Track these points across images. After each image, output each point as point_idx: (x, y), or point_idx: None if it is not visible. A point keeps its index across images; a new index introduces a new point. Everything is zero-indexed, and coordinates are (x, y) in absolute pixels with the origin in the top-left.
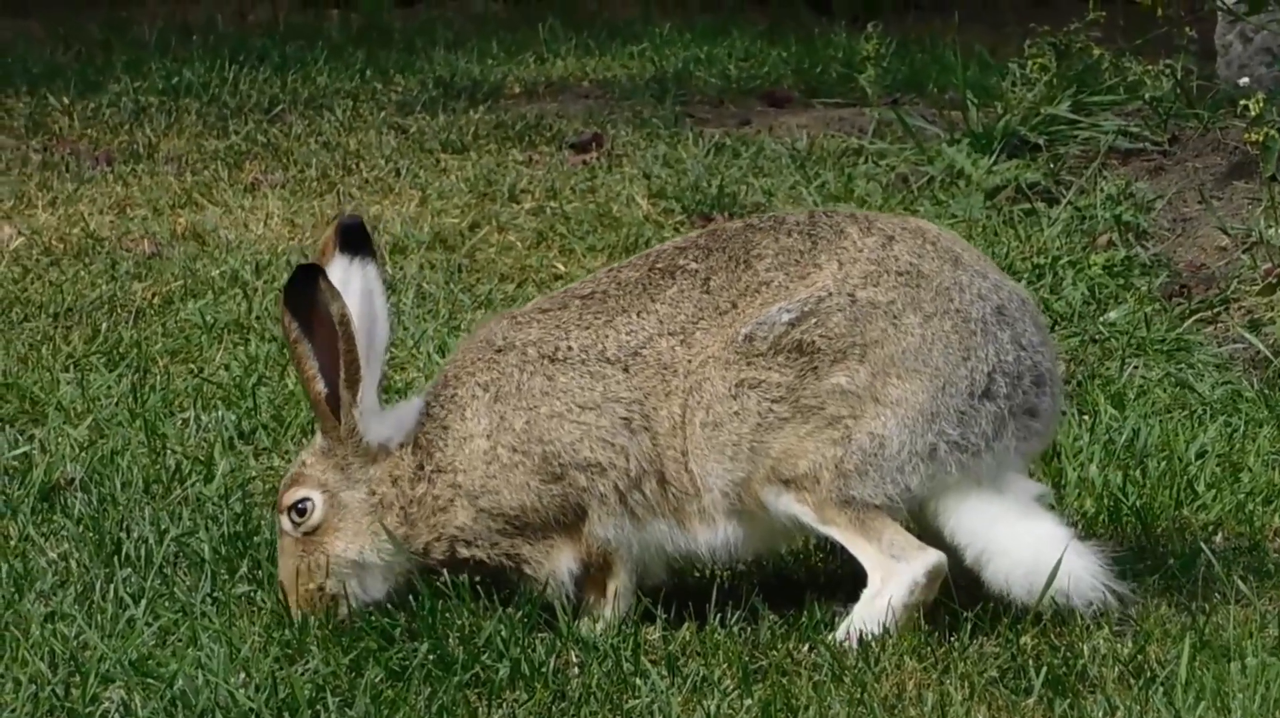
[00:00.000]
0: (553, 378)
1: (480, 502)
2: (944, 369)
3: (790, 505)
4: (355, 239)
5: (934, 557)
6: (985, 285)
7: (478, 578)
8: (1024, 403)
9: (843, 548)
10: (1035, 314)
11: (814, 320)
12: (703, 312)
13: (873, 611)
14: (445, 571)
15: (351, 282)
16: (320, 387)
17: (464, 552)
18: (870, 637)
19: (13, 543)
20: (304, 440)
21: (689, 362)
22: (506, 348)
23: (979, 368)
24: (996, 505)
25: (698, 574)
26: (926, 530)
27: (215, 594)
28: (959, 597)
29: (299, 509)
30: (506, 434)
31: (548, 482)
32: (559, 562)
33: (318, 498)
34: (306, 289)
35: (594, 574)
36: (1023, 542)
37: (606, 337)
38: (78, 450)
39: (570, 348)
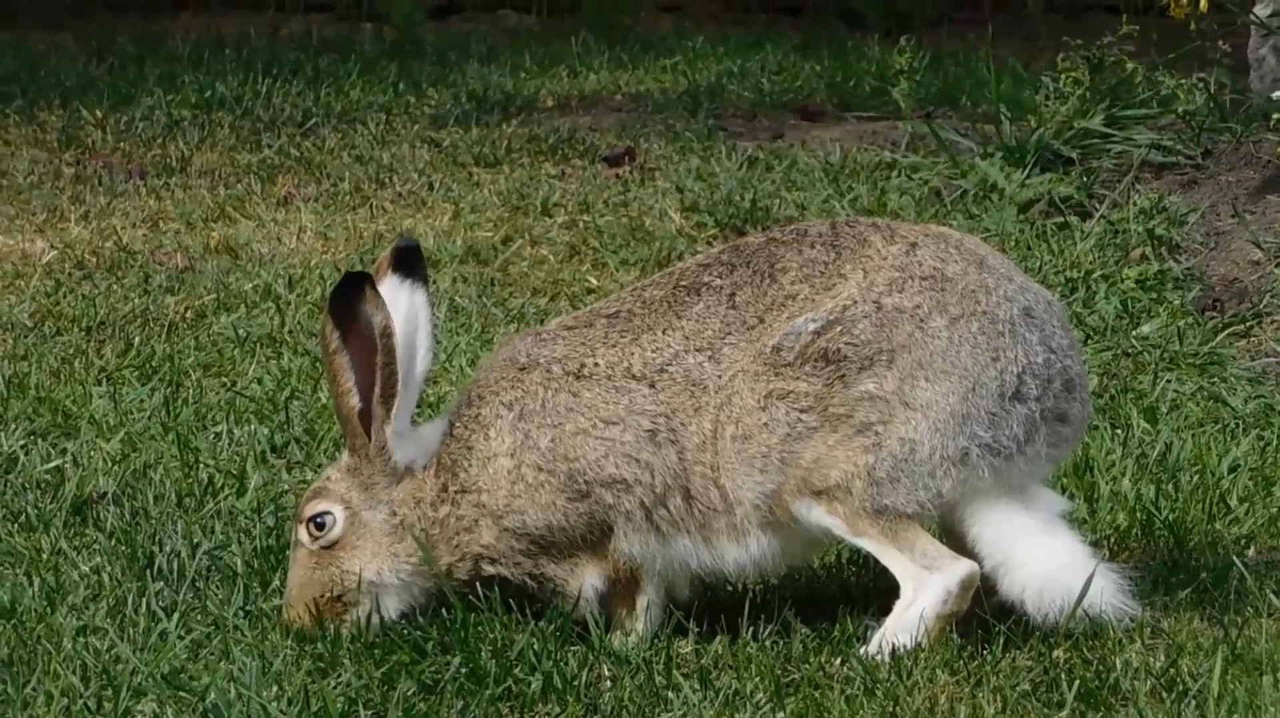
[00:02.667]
0: (577, 394)
1: (505, 521)
2: (973, 370)
3: (822, 518)
4: (409, 262)
5: (966, 566)
6: (1011, 288)
7: (509, 593)
8: (1054, 408)
9: (875, 560)
10: (1062, 318)
11: (839, 328)
12: (729, 327)
13: (905, 622)
14: (473, 586)
15: (399, 303)
16: (354, 402)
17: (489, 569)
18: (903, 649)
19: (45, 557)
20: (335, 454)
21: (718, 377)
22: (530, 365)
23: (1009, 369)
24: (1021, 518)
25: (730, 589)
26: (949, 535)
27: (248, 608)
28: (990, 609)
29: (318, 523)
30: (531, 453)
31: (574, 500)
32: (584, 579)
33: (339, 513)
34: (352, 297)
35: (622, 590)
36: (1040, 557)
37: (632, 354)
38: (110, 464)
39: (596, 364)
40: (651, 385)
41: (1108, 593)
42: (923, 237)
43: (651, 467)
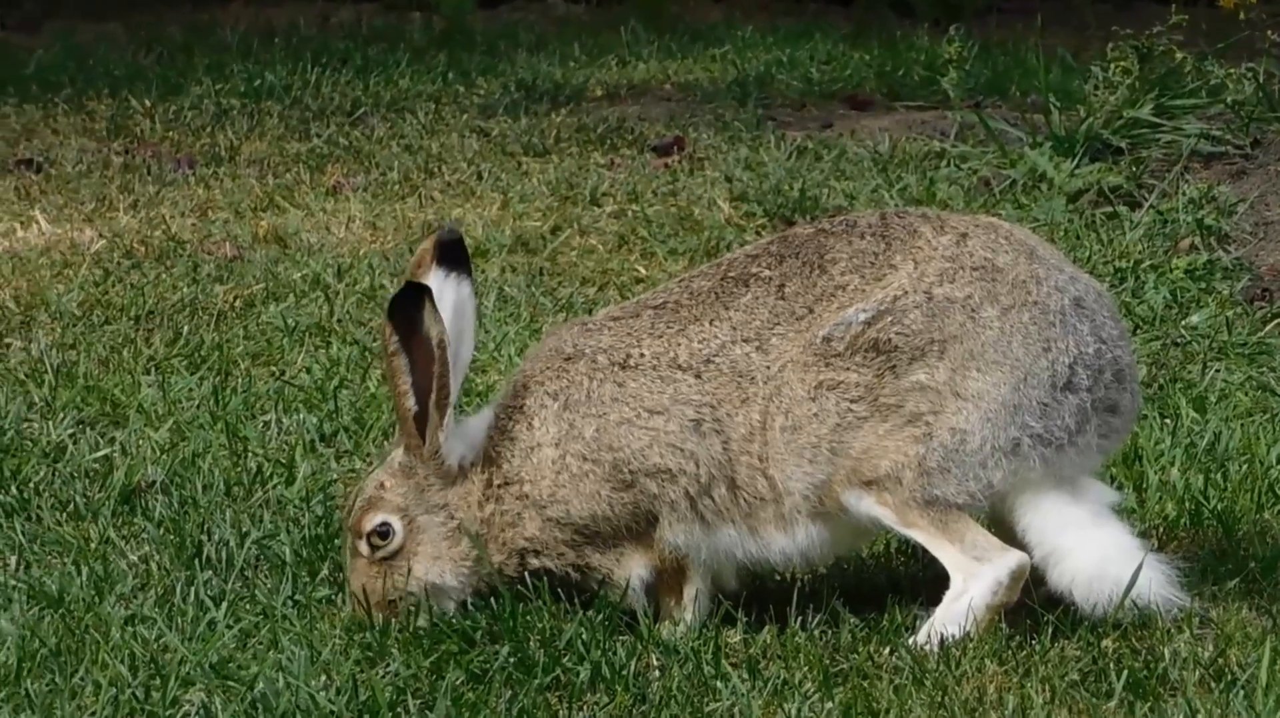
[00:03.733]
0: (623, 384)
1: (548, 511)
2: (1024, 360)
3: (872, 508)
4: (453, 254)
5: (1016, 557)
6: (1062, 278)
7: (555, 586)
8: (1105, 398)
9: (923, 550)
10: (1112, 309)
11: (890, 318)
12: (778, 318)
13: (955, 612)
14: (521, 580)
15: (445, 295)
16: (411, 403)
17: (533, 562)
18: (951, 640)
19: (93, 546)
20: (384, 442)
21: (767, 368)
22: (576, 356)
23: (1060, 359)
24: (1071, 509)
25: (778, 579)
26: (998, 524)
27: (296, 597)
28: (1039, 599)
29: (380, 533)
30: (576, 443)
31: (618, 489)
32: (629, 569)
33: (397, 523)
34: (411, 307)
35: (668, 580)
36: (1090, 548)
37: (679, 345)
38: (159, 453)
39: (642, 355)
40: (697, 375)
41: (1157, 584)
42: (973, 227)
43: (696, 456)
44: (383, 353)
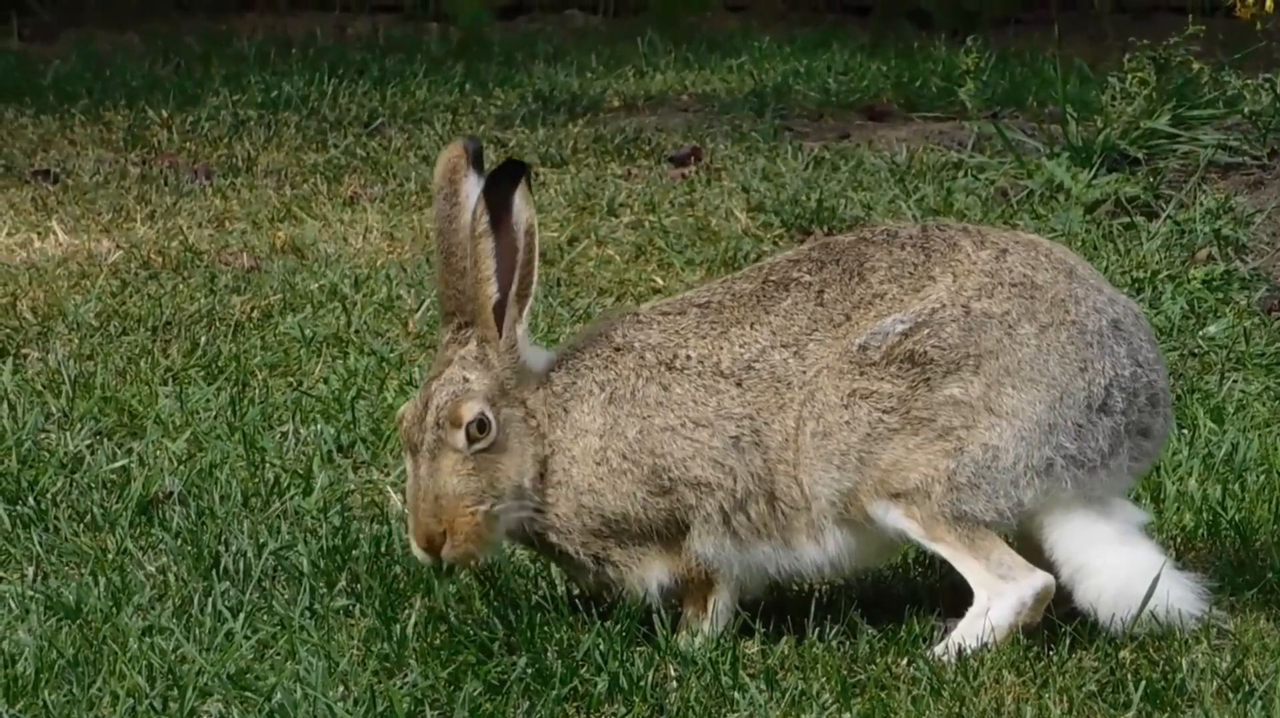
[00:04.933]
0: (668, 388)
1: (584, 498)
2: (1061, 380)
3: (899, 520)
4: (480, 162)
5: (1042, 579)
6: (1101, 299)
7: (576, 592)
8: (1139, 422)
9: (942, 561)
10: (1149, 331)
11: (927, 331)
12: (816, 324)
13: (976, 629)
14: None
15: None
16: (493, 290)
17: (553, 539)
18: (969, 651)
19: (111, 557)
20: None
21: (803, 373)
22: (625, 348)
23: (1096, 380)
24: (1100, 526)
25: (796, 588)
26: (1022, 540)
27: (314, 608)
28: (1056, 610)
29: (480, 425)
30: (618, 440)
31: (655, 494)
32: (649, 572)
33: (491, 414)
34: (508, 186)
35: (694, 590)
36: (1116, 565)
37: (721, 348)
38: (176, 464)
39: (688, 357)
40: (739, 384)
41: (1186, 602)
42: (1013, 243)
43: (735, 472)
44: (470, 234)
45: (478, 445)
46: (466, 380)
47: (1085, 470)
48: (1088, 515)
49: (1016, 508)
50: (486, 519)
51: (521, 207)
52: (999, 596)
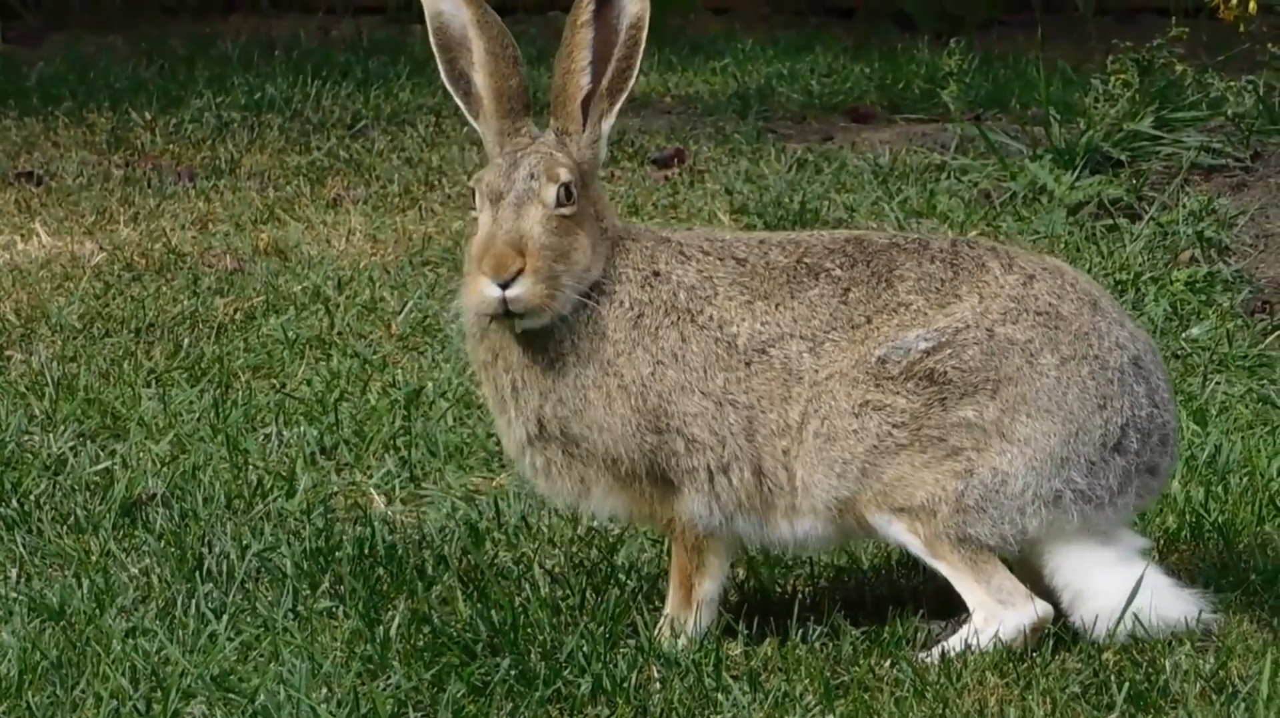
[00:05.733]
0: (686, 341)
1: (590, 394)
2: (1078, 414)
3: (901, 534)
4: None
5: (1042, 609)
6: (1123, 334)
7: (561, 596)
8: (1149, 461)
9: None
10: (1164, 368)
11: (949, 351)
12: (836, 321)
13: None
14: None
15: None
16: (585, 82)
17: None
18: (952, 653)
19: (94, 558)
20: (387, 454)
21: (815, 371)
22: (664, 277)
23: (1114, 419)
24: (1100, 551)
25: (780, 589)
26: (1021, 567)
27: (297, 609)
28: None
29: (568, 190)
30: (628, 367)
31: (643, 430)
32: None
33: (576, 190)
34: None
35: (681, 563)
36: (1114, 587)
37: (744, 320)
38: (159, 466)
39: (710, 317)
40: (748, 365)
41: (1184, 614)
42: (1040, 270)
43: (725, 442)
44: (569, 25)
45: (562, 210)
46: (555, 157)
47: (1093, 507)
48: (1089, 544)
49: (1020, 535)
50: (560, 272)
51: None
52: (996, 619)
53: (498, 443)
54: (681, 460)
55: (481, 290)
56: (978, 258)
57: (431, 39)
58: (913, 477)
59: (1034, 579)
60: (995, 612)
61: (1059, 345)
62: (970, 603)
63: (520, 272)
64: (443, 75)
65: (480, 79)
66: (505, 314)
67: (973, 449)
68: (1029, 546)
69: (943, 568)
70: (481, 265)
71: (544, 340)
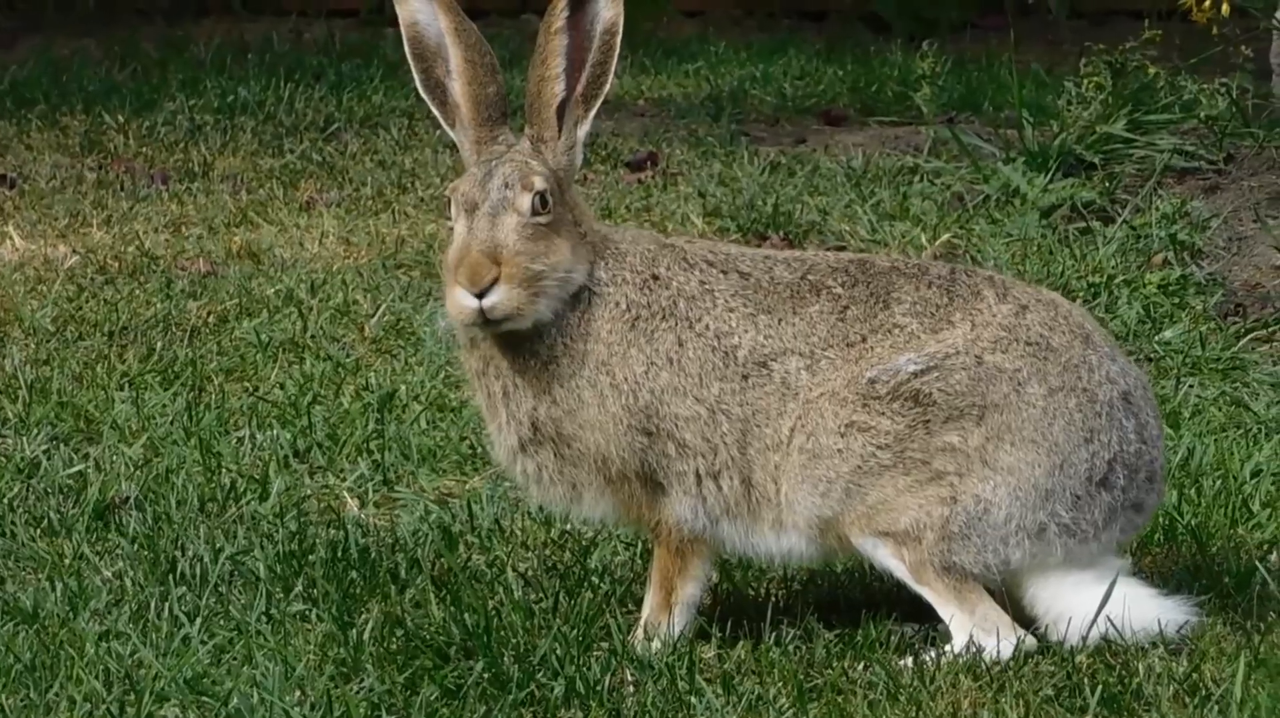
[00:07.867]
0: (683, 345)
1: (578, 387)
2: (1064, 446)
3: (886, 559)
4: None
5: (1027, 642)
6: (1114, 369)
7: (534, 599)
8: (1135, 498)
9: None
10: (1154, 403)
11: (936, 374)
12: (833, 338)
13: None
14: None
15: None
16: (560, 89)
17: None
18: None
19: (67, 562)
20: (362, 456)
21: (810, 389)
22: (664, 281)
23: (1100, 454)
24: (1078, 575)
25: (753, 592)
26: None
27: (270, 613)
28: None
29: (544, 199)
30: (621, 365)
31: (634, 430)
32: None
33: (551, 198)
34: None
35: (664, 567)
36: (1092, 606)
37: (745, 332)
38: (132, 469)
39: (708, 327)
40: (745, 378)
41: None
42: (1034, 301)
43: (716, 450)
44: (543, 31)
45: (538, 218)
46: (530, 165)
47: (1077, 541)
48: (1069, 572)
49: (1003, 565)
50: (538, 275)
51: (606, 4)
52: (978, 644)
53: (471, 446)
54: (672, 464)
55: (459, 301)
56: (974, 286)
57: (407, 48)
58: (896, 500)
59: (1012, 604)
60: (978, 638)
61: (1047, 376)
62: (953, 627)
63: (496, 280)
64: (418, 84)
65: (458, 87)
66: (485, 323)
67: (956, 474)
68: (1010, 576)
69: (927, 594)
70: (457, 276)
71: (535, 343)
